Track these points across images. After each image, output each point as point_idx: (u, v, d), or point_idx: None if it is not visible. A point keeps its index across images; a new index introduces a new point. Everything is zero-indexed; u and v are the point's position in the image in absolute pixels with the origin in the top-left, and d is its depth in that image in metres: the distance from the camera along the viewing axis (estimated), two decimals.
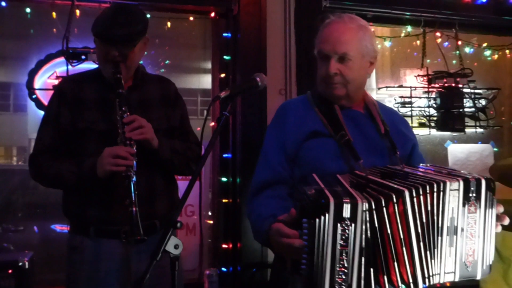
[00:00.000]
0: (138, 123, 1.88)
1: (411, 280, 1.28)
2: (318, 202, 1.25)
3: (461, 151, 3.73)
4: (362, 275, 1.27)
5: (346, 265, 1.27)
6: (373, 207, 1.28)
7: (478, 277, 1.36)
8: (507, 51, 3.86)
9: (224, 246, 3.07)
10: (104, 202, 1.92)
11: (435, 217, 1.32)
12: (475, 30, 3.68)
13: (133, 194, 1.82)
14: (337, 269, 1.25)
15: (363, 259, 1.27)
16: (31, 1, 2.90)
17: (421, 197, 1.30)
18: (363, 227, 1.26)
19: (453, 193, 1.33)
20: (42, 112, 2.80)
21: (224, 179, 3.09)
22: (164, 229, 1.34)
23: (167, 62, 3.41)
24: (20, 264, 2.42)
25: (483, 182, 1.34)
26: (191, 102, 3.53)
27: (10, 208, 2.99)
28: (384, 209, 1.28)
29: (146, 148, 1.94)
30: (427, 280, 1.30)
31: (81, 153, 1.94)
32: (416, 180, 1.35)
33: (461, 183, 1.32)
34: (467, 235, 1.35)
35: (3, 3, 2.84)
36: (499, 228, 1.41)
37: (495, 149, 3.79)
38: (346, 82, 1.63)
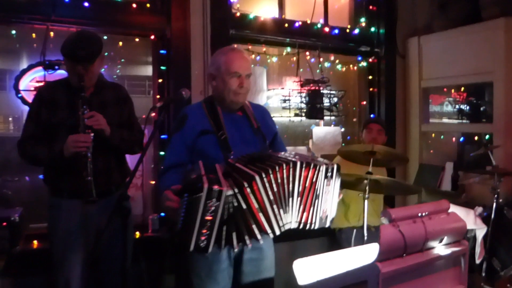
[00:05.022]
0: (96, 117, 2.07)
1: (268, 230, 1.45)
2: (197, 185, 1.38)
3: (321, 131, 4.12)
4: (223, 237, 1.39)
5: (209, 229, 1.38)
6: (234, 192, 1.39)
7: (327, 226, 1.57)
8: (351, 65, 4.39)
9: None
10: (72, 175, 2.10)
11: (286, 186, 1.45)
12: (331, 51, 4.17)
13: (88, 168, 1.98)
14: (202, 231, 1.37)
15: (225, 227, 1.38)
16: (16, 25, 3.10)
17: (271, 175, 1.41)
18: (226, 205, 1.37)
19: (321, 173, 1.50)
20: (27, 107, 2.87)
21: (162, 153, 3.37)
22: (120, 193, 1.51)
23: (118, 72, 3.60)
24: (12, 218, 2.55)
25: (336, 168, 1.54)
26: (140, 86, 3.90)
27: (7, 165, 3.13)
28: (243, 190, 1.39)
29: (101, 136, 2.09)
30: (282, 227, 1.46)
31: (54, 140, 2.09)
32: (275, 160, 1.48)
33: (324, 167, 1.51)
34: (324, 200, 1.53)
35: None
36: (339, 197, 1.65)
37: (342, 129, 4.30)
38: (247, 91, 1.88)
